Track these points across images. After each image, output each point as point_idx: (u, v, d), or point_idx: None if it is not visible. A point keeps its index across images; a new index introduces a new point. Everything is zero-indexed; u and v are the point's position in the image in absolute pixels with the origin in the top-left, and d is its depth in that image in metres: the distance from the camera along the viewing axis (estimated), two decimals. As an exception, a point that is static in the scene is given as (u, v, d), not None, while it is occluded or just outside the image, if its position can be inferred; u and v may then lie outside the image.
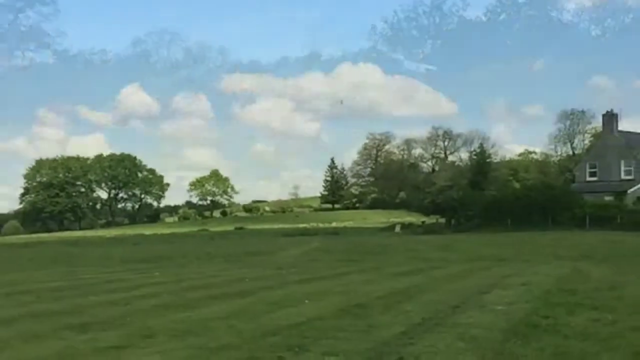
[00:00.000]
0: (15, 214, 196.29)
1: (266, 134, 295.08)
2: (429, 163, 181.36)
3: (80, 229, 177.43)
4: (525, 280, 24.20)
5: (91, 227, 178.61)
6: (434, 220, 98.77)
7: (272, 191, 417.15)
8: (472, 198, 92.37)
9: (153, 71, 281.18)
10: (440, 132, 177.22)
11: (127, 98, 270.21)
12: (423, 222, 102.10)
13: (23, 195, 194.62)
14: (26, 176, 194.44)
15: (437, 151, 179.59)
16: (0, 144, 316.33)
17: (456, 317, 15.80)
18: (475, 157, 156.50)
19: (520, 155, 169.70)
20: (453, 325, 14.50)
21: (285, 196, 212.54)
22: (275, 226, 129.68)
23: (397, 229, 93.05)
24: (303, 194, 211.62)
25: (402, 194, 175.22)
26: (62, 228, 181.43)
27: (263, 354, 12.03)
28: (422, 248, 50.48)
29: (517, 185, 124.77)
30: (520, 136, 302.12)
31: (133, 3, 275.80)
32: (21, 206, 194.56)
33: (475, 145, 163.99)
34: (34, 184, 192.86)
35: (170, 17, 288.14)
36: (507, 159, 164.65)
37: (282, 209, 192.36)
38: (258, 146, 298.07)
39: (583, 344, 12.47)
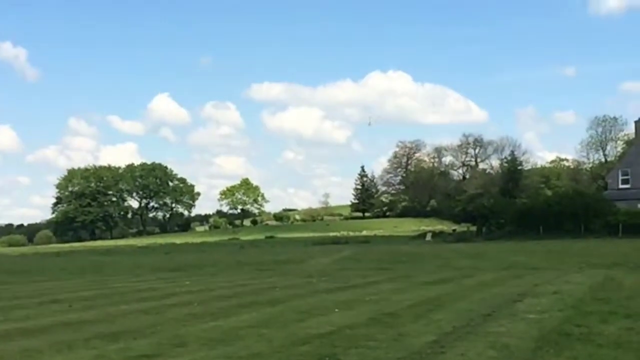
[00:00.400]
0: (48, 224, 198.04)
1: (296, 142, 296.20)
2: (460, 171, 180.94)
3: (112, 238, 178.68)
4: (557, 288, 24.01)
5: (122, 237, 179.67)
6: (465, 228, 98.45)
7: (303, 199, 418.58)
8: (504, 206, 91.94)
9: (183, 80, 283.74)
10: (471, 140, 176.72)
11: (157, 107, 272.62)
12: (454, 230, 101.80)
13: (55, 204, 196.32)
14: (58, 186, 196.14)
15: (467, 159, 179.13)
16: (32, 153, 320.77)
17: (487, 325, 15.71)
18: (506, 164, 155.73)
19: (551, 162, 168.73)
20: (484, 334, 14.41)
21: (315, 204, 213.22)
22: (306, 235, 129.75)
23: (428, 237, 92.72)
24: (333, 202, 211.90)
25: (432, 202, 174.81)
26: (93, 237, 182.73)
27: (293, 363, 12.02)
28: (453, 256, 50.23)
29: (548, 192, 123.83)
30: (551, 143, 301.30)
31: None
32: (53, 216, 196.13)
33: (506, 153, 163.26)
34: (66, 193, 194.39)
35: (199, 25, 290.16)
36: (538, 166, 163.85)
37: (312, 218, 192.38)
38: (288, 154, 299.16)
39: (616, 352, 12.35)
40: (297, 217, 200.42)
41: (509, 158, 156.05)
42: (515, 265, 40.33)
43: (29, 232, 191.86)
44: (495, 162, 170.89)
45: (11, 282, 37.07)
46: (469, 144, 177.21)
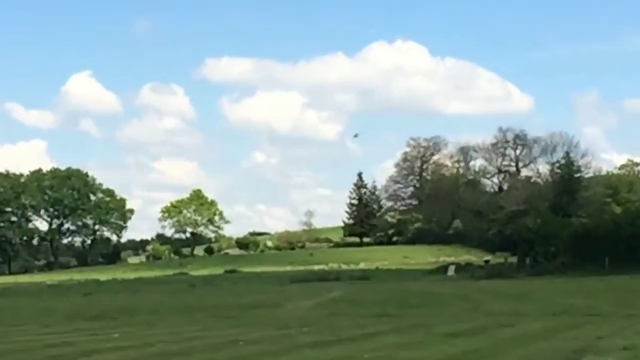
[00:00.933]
0: None
1: (268, 140, 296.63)
2: (495, 179, 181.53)
3: (11, 272, 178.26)
4: (628, 342, 24.13)
5: (26, 271, 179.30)
6: (502, 259, 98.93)
7: (277, 219, 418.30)
8: (555, 227, 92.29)
9: (110, 54, 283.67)
10: (510, 136, 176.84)
11: (74, 91, 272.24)
12: (486, 261, 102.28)
13: None
14: None
15: (505, 163, 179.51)
16: None
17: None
18: (559, 170, 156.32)
19: (621, 167, 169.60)
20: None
21: (294, 226, 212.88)
22: (281, 268, 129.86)
23: (450, 271, 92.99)
24: (320, 223, 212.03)
25: (456, 223, 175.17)
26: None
27: None
28: (484, 298, 50.42)
29: (617, 209, 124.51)
30: (621, 141, 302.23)
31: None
32: None
33: (558, 155, 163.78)
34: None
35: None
36: (603, 172, 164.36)
37: (290, 245, 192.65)
38: (256, 156, 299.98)
39: None
40: (269, 243, 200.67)
41: (563, 162, 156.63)
42: (571, 311, 40.51)
43: None
44: (543, 168, 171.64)
45: None
46: (507, 142, 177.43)
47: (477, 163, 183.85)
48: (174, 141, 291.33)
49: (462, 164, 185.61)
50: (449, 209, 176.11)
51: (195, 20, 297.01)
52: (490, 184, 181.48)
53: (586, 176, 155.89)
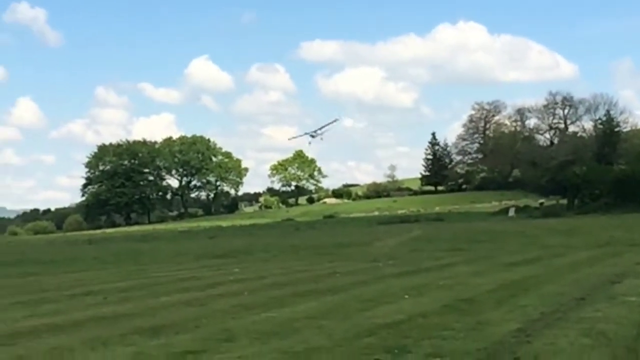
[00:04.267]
0: (77, 208, 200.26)
1: (355, 108, 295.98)
2: (547, 135, 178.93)
3: (150, 222, 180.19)
4: (663, 267, 23.75)
5: (161, 220, 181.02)
6: (554, 201, 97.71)
7: (365, 173, 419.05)
8: (599, 174, 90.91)
9: (224, 40, 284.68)
10: (559, 99, 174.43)
11: (195, 72, 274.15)
12: (541, 203, 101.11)
13: (85, 186, 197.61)
14: (88, 164, 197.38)
15: (555, 121, 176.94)
16: (56, 129, 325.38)
17: (581, 310, 15.59)
18: (601, 126, 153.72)
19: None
20: (577, 320, 14.32)
21: (380, 178, 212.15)
22: (370, 213, 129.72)
23: (511, 212, 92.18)
24: (401, 175, 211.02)
25: (515, 172, 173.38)
26: (129, 222, 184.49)
27: (358, 357, 12.06)
28: (540, 233, 49.88)
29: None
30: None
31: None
32: (83, 198, 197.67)
33: (600, 113, 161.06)
34: (97, 173, 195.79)
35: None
36: (639, 127, 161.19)
37: (376, 194, 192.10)
38: (347, 122, 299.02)
39: None
40: (360, 193, 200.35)
41: (604, 119, 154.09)
42: (613, 242, 39.94)
43: (57, 218, 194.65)
44: (588, 124, 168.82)
45: (39, 273, 37.71)
46: (556, 103, 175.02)
47: (532, 122, 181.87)
48: (278, 111, 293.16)
49: (518, 123, 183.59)
50: (509, 161, 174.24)
51: (291, 10, 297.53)
52: (543, 139, 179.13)
53: (624, 130, 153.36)
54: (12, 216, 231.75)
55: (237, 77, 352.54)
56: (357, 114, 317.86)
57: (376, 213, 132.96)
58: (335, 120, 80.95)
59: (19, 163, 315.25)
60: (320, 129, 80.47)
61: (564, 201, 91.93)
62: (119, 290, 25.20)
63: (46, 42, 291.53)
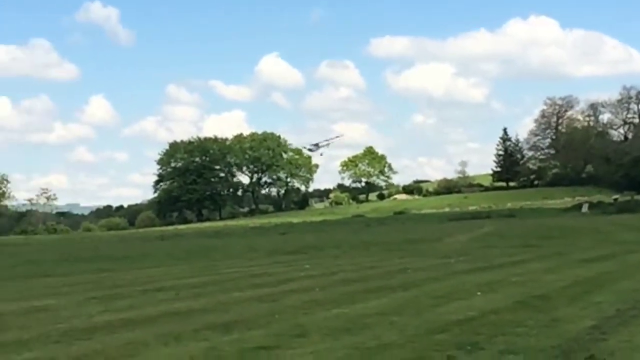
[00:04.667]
0: (149, 204, 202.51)
1: (426, 104, 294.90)
2: (621, 130, 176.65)
3: (221, 218, 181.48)
4: None
5: (232, 216, 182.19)
6: (628, 197, 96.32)
7: (436, 169, 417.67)
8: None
9: (293, 38, 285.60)
10: (633, 93, 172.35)
11: (266, 69, 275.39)
12: (615, 199, 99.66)
13: (157, 182, 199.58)
14: (159, 161, 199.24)
15: (630, 115, 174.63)
16: (128, 126, 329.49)
17: (658, 308, 15.41)
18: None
19: None
20: (654, 318, 14.16)
21: (450, 174, 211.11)
22: (441, 210, 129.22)
23: (585, 208, 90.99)
24: (471, 171, 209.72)
25: (588, 168, 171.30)
26: (200, 218, 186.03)
27: (430, 353, 12.06)
28: (614, 229, 49.27)
29: None
30: None
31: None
32: (155, 195, 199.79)
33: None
34: (169, 170, 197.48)
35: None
36: None
37: (447, 190, 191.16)
38: (417, 118, 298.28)
39: None
40: (430, 189, 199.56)
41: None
42: (690, 239, 39.31)
43: (129, 214, 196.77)
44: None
45: (112, 269, 38.22)
46: (630, 97, 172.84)
47: (605, 117, 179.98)
48: (348, 107, 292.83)
49: (591, 118, 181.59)
50: (582, 156, 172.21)
51: (361, 6, 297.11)
52: (617, 134, 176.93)
53: None
54: (86, 212, 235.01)
55: (307, 74, 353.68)
56: (427, 109, 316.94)
57: (447, 209, 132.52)
58: (337, 137, 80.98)
59: (92, 160, 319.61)
60: (323, 142, 79.28)
61: (639, 197, 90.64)
62: (191, 286, 25.45)
63: (118, 41, 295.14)
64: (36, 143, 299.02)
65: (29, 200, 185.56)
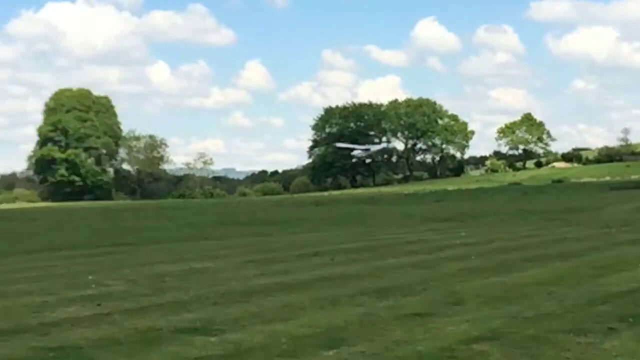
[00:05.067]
0: (304, 170, 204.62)
1: (587, 69, 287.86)
2: None
3: (375, 184, 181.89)
4: None
5: (387, 183, 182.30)
6: None
7: (596, 137, 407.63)
8: None
9: (451, 1, 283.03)
10: None
11: (422, 34, 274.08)
12: None
13: (311, 148, 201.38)
14: (314, 127, 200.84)
15: None
16: (284, 91, 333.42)
17: None
18: None
19: None
20: None
21: (612, 142, 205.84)
22: (601, 178, 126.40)
23: None
24: (634, 139, 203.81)
25: None
26: (354, 184, 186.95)
27: (589, 325, 11.87)
28: None
29: None
30: None
31: None
32: (310, 160, 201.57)
33: None
34: (323, 135, 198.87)
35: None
36: None
37: (609, 158, 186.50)
38: (577, 84, 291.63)
39: None
40: (590, 157, 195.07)
41: None
42: None
43: (284, 180, 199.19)
44: None
45: (268, 233, 38.88)
46: None
47: None
48: (506, 73, 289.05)
49: None
50: None
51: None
52: None
53: None
54: (241, 177, 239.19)
55: (464, 39, 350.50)
56: (588, 75, 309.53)
57: (608, 178, 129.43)
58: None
59: (248, 125, 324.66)
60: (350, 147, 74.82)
61: None
62: (346, 251, 25.67)
63: (274, 6, 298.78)
64: (194, 108, 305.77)
65: (187, 164, 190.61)
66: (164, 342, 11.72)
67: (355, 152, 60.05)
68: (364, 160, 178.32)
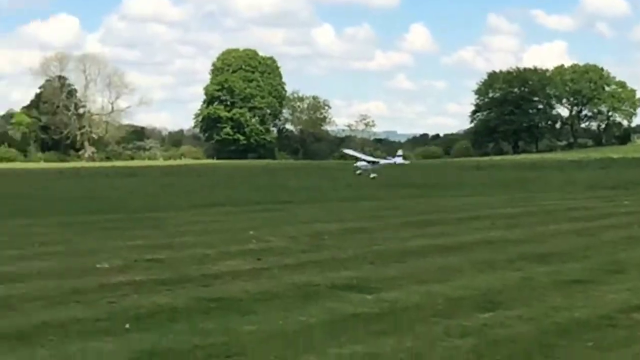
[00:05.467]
0: (465, 134, 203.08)
1: None
2: None
3: (537, 150, 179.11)
4: None
5: (549, 149, 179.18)
6: None
7: None
8: None
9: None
10: None
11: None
12: None
13: (474, 113, 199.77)
14: (477, 91, 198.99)
15: None
16: (447, 55, 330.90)
17: None
18: None
19: None
20: None
21: None
22: None
23: None
24: None
25: None
26: (516, 150, 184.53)
27: None
28: None
29: None
30: None
31: None
32: (472, 125, 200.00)
33: None
34: (486, 100, 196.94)
35: None
36: None
37: None
38: None
39: None
40: None
41: None
42: None
43: (445, 144, 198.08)
44: None
45: (428, 195, 38.93)
46: None
47: None
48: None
49: None
50: None
51: None
52: None
53: None
54: (402, 140, 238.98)
55: (635, 3, 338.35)
56: None
57: None
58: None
59: (410, 88, 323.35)
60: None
61: None
62: (507, 216, 25.48)
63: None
64: (357, 70, 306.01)
65: (349, 125, 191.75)
66: (321, 297, 11.91)
67: (359, 164, 58.34)
68: (528, 126, 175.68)
